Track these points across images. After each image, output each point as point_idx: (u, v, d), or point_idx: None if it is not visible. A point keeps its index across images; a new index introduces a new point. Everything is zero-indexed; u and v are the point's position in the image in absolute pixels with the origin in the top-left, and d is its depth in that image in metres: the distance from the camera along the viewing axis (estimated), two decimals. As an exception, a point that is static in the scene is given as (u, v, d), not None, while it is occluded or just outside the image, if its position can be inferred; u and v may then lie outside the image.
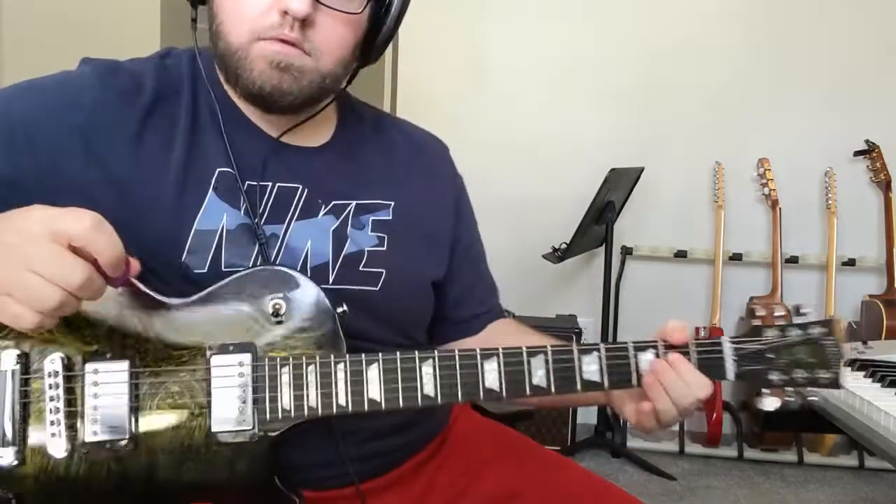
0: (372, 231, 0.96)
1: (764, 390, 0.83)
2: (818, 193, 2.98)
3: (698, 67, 3.01)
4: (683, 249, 3.06)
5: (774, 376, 0.87)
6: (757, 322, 0.80)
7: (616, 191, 2.72)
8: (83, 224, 0.67)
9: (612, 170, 2.62)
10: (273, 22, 0.84)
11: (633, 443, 2.89)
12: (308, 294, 0.85)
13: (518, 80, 3.07)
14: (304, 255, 0.91)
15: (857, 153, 2.93)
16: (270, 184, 0.91)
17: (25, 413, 0.79)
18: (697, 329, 3.01)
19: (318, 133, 0.98)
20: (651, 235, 3.07)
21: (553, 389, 0.84)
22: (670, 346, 0.86)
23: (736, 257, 3.00)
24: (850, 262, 2.93)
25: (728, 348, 0.87)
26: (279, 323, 0.83)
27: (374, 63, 0.98)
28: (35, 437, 0.78)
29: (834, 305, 2.83)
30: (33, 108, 0.85)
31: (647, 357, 0.86)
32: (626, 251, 3.05)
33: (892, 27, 2.91)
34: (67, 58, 0.94)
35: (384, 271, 0.95)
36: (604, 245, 2.82)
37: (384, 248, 0.96)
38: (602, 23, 3.04)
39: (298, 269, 0.89)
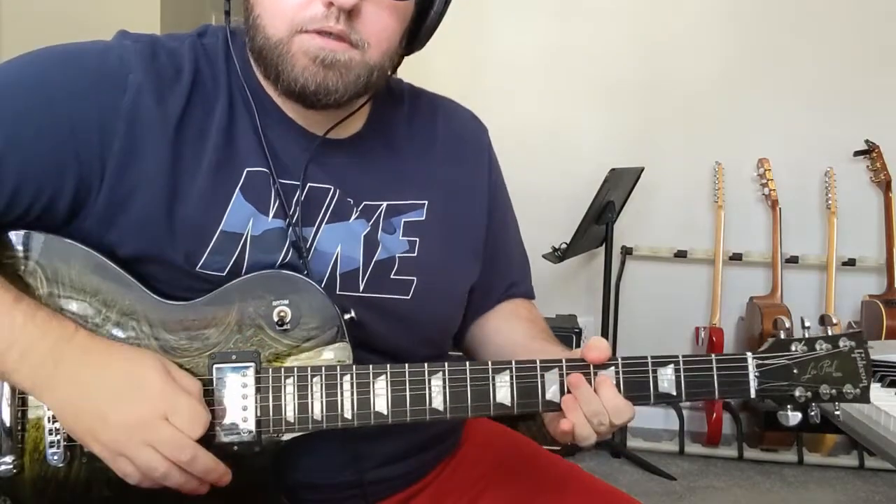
0: (403, 235, 0.92)
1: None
2: (818, 193, 2.98)
3: (698, 67, 3.00)
4: (683, 249, 3.05)
5: (798, 392, 0.82)
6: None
7: (616, 191, 2.72)
8: (195, 433, 0.74)
9: (612, 170, 2.62)
10: (316, 13, 0.78)
11: (633, 443, 2.89)
12: (314, 300, 0.82)
13: (517, 80, 3.07)
14: (333, 260, 0.87)
15: (857, 153, 2.93)
16: (301, 184, 0.86)
17: (24, 421, 0.78)
18: (697, 329, 3.01)
19: (349, 120, 0.91)
20: (651, 235, 3.07)
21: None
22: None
23: (736, 257, 3.00)
24: (850, 262, 2.93)
25: (751, 364, 0.82)
26: (285, 331, 0.81)
27: (420, 50, 0.92)
28: (34, 445, 0.78)
29: (834, 305, 2.83)
30: (76, 96, 0.79)
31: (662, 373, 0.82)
32: (626, 251, 3.05)
33: (893, 27, 2.91)
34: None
35: (415, 279, 0.91)
36: (604, 245, 2.81)
37: (415, 254, 0.92)
38: (602, 22, 3.04)
39: (327, 275, 0.86)
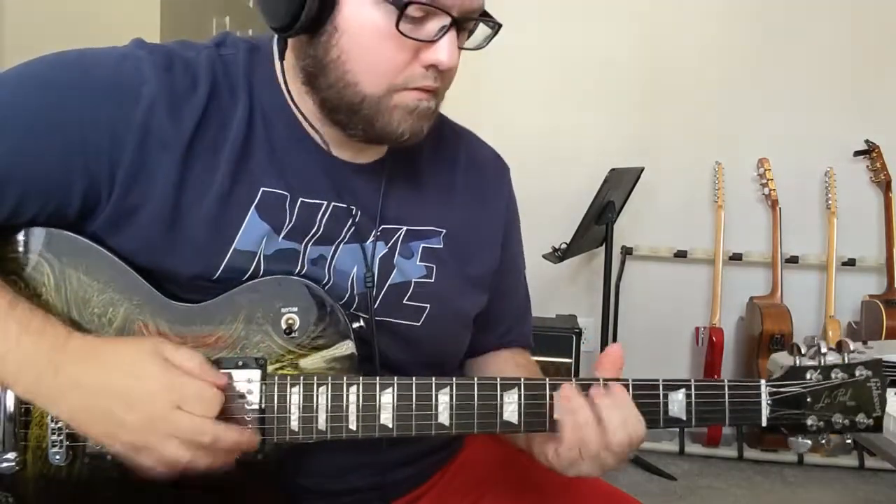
0: (420, 260, 0.92)
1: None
2: (818, 193, 2.98)
3: (698, 67, 3.00)
4: (683, 249, 3.05)
5: (811, 422, 0.81)
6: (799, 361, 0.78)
7: (616, 191, 2.71)
8: (210, 411, 0.74)
9: (612, 170, 2.61)
10: (415, 74, 0.81)
11: (633, 443, 2.89)
12: (323, 309, 0.82)
13: (518, 80, 3.06)
14: (349, 280, 0.87)
15: (857, 153, 2.93)
16: (323, 203, 0.87)
17: (27, 418, 0.78)
18: (697, 329, 3.01)
19: (373, 145, 0.92)
20: (651, 235, 3.07)
21: None
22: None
23: (736, 257, 3.00)
24: (850, 262, 2.93)
25: (765, 392, 0.81)
26: (292, 338, 0.81)
27: None
28: (36, 442, 0.78)
29: (834, 305, 2.83)
30: (88, 106, 0.78)
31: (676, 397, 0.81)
32: (626, 251, 3.05)
33: (893, 27, 2.91)
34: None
35: (428, 306, 0.91)
36: (604, 245, 2.81)
37: (432, 280, 0.92)
38: (603, 22, 3.03)
39: (346, 296, 0.86)
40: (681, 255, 3.05)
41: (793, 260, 2.95)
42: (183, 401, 0.73)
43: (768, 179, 2.93)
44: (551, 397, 0.80)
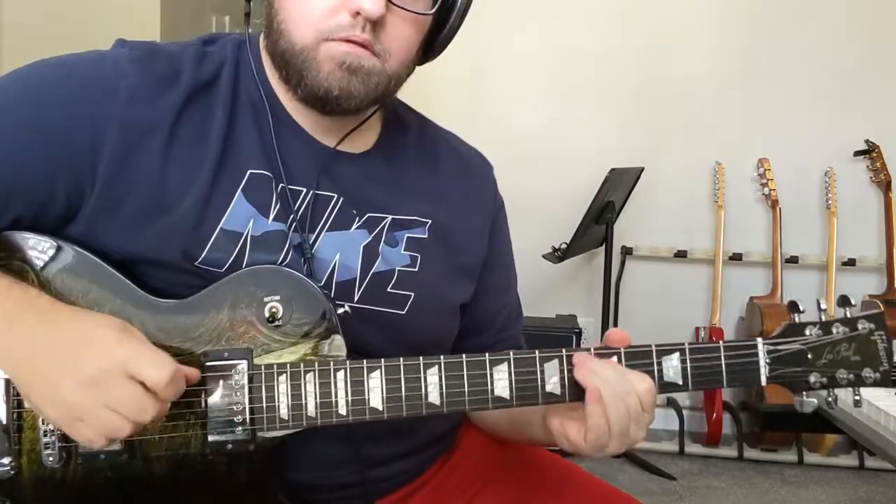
0: (405, 249, 0.92)
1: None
2: (818, 193, 2.98)
3: (698, 67, 3.00)
4: (683, 249, 3.05)
5: (813, 378, 0.79)
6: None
7: (616, 191, 2.72)
8: (162, 378, 0.71)
9: (612, 170, 2.62)
10: (342, 22, 0.80)
11: (633, 443, 2.89)
12: (307, 295, 0.81)
13: (518, 80, 3.07)
14: (331, 268, 0.87)
15: (857, 153, 2.93)
16: (305, 189, 0.87)
17: (20, 422, 0.78)
18: (697, 329, 3.01)
19: (361, 137, 0.93)
20: (651, 235, 3.07)
21: (567, 398, 0.79)
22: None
23: (736, 257, 3.00)
24: (850, 262, 2.93)
25: (762, 350, 0.79)
26: (276, 327, 0.80)
27: (431, 61, 0.94)
28: (30, 446, 0.78)
29: (834, 305, 2.83)
30: (68, 102, 0.79)
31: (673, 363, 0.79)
32: (626, 251, 3.05)
33: (893, 27, 2.91)
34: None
35: (413, 294, 0.91)
36: (604, 245, 2.81)
37: (416, 270, 0.92)
38: (602, 23, 3.04)
39: (324, 282, 0.86)
40: (681, 255, 3.05)
41: (793, 260, 2.95)
42: (135, 369, 0.71)
43: (768, 179, 2.93)
44: (542, 369, 0.79)
